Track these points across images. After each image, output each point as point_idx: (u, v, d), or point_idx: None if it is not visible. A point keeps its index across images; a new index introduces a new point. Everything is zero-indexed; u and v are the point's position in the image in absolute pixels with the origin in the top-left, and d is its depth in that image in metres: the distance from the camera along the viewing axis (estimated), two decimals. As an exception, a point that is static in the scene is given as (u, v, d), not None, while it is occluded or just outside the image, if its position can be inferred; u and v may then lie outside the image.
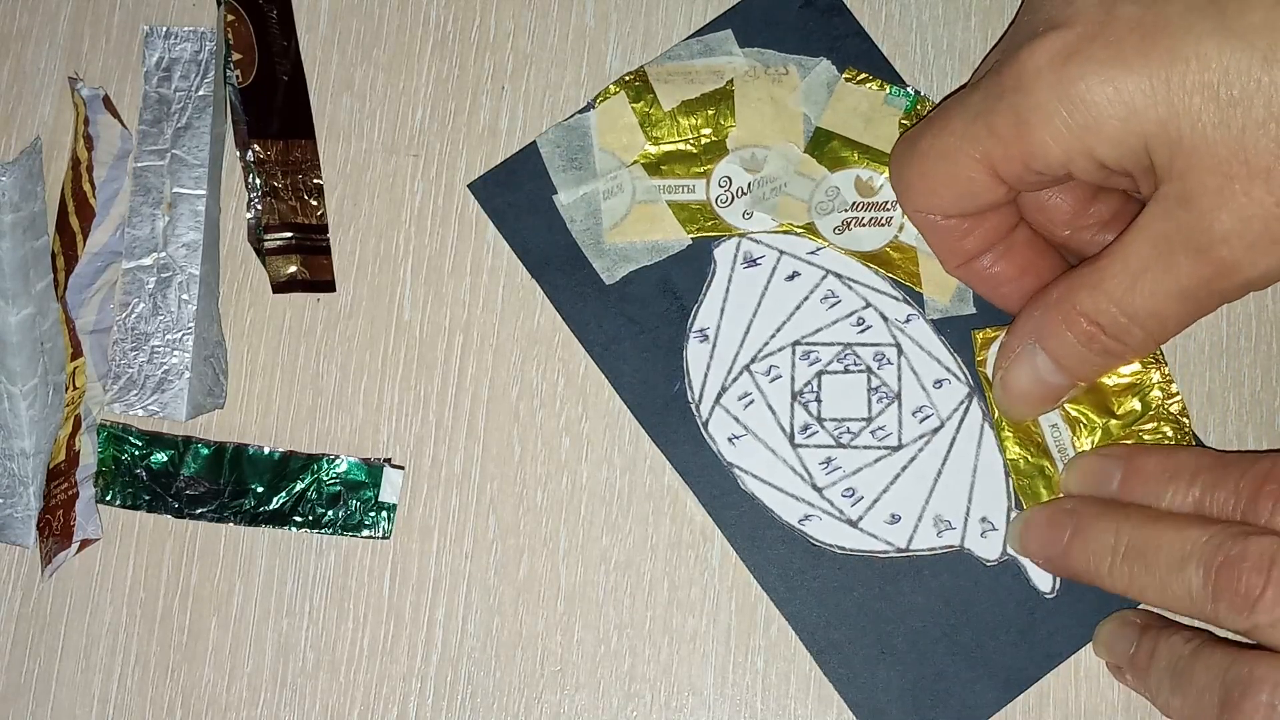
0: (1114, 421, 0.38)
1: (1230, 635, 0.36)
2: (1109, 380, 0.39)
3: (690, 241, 0.41)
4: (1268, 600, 0.32)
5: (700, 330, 0.41)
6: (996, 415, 0.39)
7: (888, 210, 0.41)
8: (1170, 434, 0.38)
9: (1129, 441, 0.38)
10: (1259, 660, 0.32)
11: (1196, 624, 0.37)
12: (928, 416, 0.40)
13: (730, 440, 0.40)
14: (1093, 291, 0.34)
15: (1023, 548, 0.38)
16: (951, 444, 0.40)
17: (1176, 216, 0.32)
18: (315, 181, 0.42)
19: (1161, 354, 0.39)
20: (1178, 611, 0.34)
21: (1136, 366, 0.39)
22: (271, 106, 0.43)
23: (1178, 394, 0.39)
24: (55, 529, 0.40)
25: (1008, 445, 0.39)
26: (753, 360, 0.41)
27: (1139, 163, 0.33)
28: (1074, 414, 0.39)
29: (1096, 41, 0.32)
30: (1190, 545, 0.33)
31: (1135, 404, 0.38)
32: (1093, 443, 0.39)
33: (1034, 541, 0.38)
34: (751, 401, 0.40)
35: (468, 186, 0.42)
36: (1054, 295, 0.36)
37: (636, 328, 0.41)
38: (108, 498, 0.40)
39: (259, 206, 0.42)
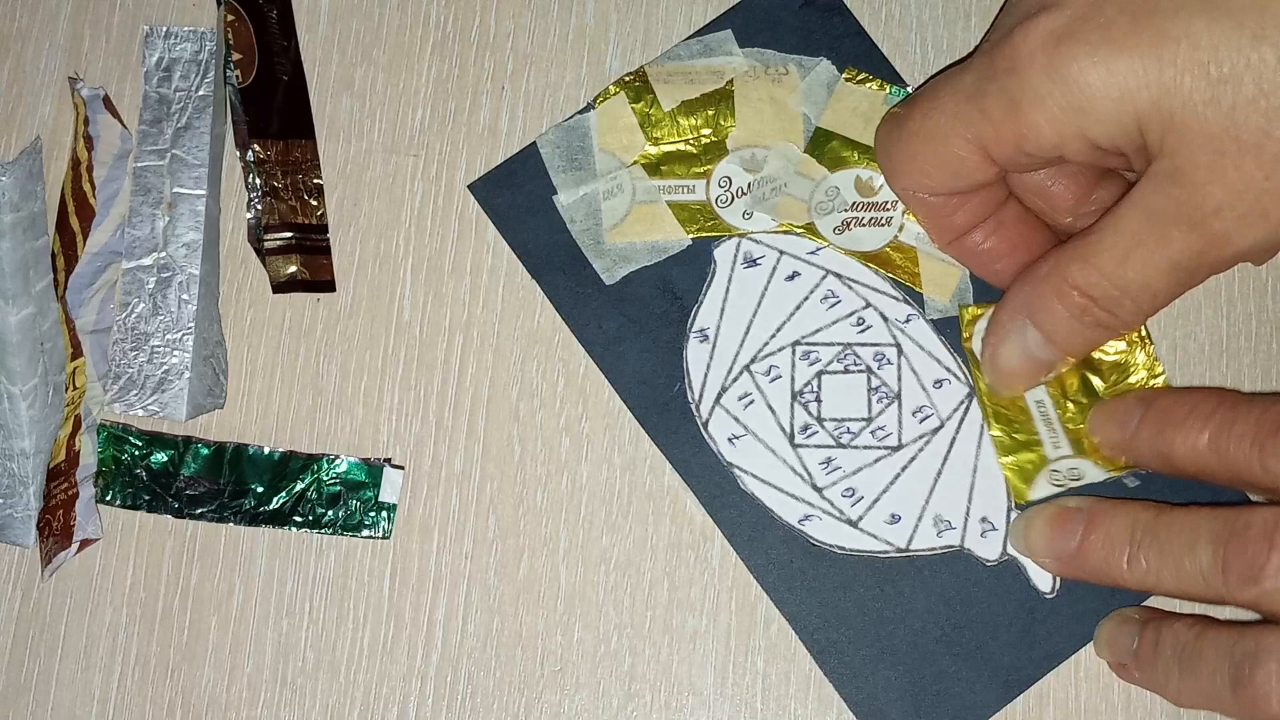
0: (1101, 397, 0.38)
1: (1236, 617, 0.36)
2: (1097, 356, 0.39)
3: (690, 241, 0.41)
4: (1273, 567, 0.32)
5: (700, 330, 0.41)
6: (982, 391, 0.39)
7: (888, 210, 0.41)
8: None
9: None
10: (1265, 632, 0.33)
11: (1200, 611, 0.37)
12: (928, 416, 0.40)
13: (730, 440, 0.40)
14: (1084, 265, 0.35)
15: (1028, 548, 0.38)
16: (951, 444, 0.40)
17: (1169, 192, 0.33)
18: (315, 181, 0.42)
19: (1148, 333, 0.39)
20: (1194, 596, 0.34)
21: (1122, 345, 0.38)
22: (271, 106, 0.43)
23: (1162, 372, 0.38)
24: (55, 529, 0.40)
25: (991, 422, 0.39)
26: (753, 360, 0.41)
27: (1132, 142, 0.33)
28: (1058, 391, 0.39)
29: (1088, 23, 0.33)
30: (1199, 524, 0.34)
31: (1120, 383, 0.38)
32: (1078, 417, 0.38)
33: (1042, 541, 0.37)
34: (751, 401, 0.40)
35: (468, 187, 0.42)
36: (1044, 269, 0.36)
37: (636, 328, 0.41)
38: (108, 498, 0.40)
39: (259, 206, 0.42)
